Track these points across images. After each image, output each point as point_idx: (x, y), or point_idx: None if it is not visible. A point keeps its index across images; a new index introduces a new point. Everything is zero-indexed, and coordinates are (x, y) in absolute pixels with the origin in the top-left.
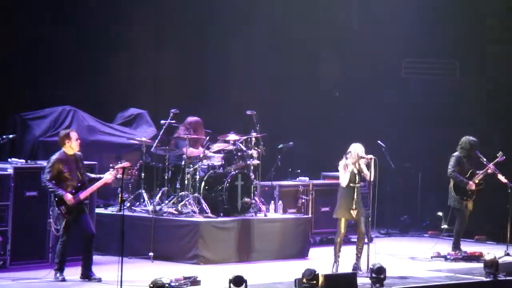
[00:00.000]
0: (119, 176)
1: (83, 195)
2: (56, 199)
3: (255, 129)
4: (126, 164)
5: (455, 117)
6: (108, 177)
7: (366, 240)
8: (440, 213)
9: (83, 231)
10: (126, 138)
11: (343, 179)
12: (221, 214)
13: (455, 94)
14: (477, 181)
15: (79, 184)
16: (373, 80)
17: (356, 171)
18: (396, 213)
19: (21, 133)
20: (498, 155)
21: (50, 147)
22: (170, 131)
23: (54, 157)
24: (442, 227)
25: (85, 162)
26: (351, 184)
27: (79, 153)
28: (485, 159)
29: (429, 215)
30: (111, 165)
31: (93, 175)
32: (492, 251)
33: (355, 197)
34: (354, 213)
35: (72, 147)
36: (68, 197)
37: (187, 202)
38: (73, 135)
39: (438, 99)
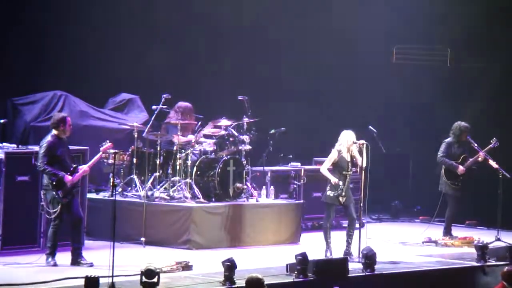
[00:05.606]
0: (111, 161)
1: (76, 178)
2: (54, 183)
3: (247, 114)
4: (109, 145)
5: (447, 103)
6: (85, 168)
7: (357, 226)
8: None
9: (71, 215)
10: (117, 123)
11: (324, 166)
12: (213, 199)
13: (447, 80)
14: (467, 167)
15: (72, 167)
16: (364, 66)
17: (349, 158)
18: (387, 198)
19: (12, 118)
20: (492, 141)
21: (41, 132)
22: (161, 116)
23: (48, 140)
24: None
25: (77, 148)
26: (343, 172)
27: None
28: (476, 145)
29: (420, 200)
30: (101, 148)
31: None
32: (483, 236)
33: (345, 184)
34: (342, 200)
35: (65, 131)
36: (69, 178)
37: (179, 187)
38: (69, 119)
39: (429, 85)
